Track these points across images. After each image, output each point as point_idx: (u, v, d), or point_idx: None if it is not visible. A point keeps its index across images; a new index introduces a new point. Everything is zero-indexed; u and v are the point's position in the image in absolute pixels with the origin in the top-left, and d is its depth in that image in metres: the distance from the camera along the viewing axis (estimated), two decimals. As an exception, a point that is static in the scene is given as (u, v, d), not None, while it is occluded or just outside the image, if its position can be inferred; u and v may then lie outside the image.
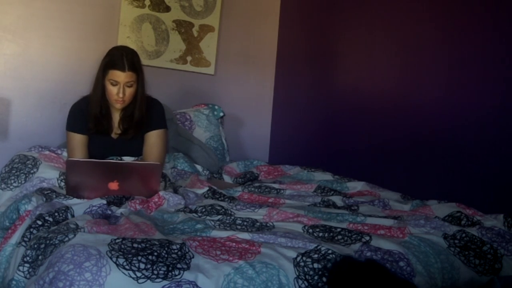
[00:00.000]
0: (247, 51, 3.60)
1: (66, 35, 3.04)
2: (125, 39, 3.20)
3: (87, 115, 2.27)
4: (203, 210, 1.76)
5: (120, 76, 2.18)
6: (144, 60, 3.26)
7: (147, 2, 3.27)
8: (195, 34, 3.42)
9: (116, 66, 2.18)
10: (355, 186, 2.37)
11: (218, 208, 1.78)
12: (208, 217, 1.69)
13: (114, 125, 2.35)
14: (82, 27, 3.07)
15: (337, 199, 2.10)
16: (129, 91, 2.22)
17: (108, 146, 2.33)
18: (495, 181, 2.03)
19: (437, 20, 2.37)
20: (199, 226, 1.58)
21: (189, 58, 3.40)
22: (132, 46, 3.20)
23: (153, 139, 2.35)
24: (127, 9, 3.21)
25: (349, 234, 1.54)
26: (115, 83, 2.19)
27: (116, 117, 2.35)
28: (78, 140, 2.29)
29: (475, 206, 1.92)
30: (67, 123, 2.34)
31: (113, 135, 2.35)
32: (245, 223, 1.62)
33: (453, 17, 2.29)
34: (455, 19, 2.28)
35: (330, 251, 1.37)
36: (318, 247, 1.39)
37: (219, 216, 1.69)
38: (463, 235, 1.59)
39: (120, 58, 2.20)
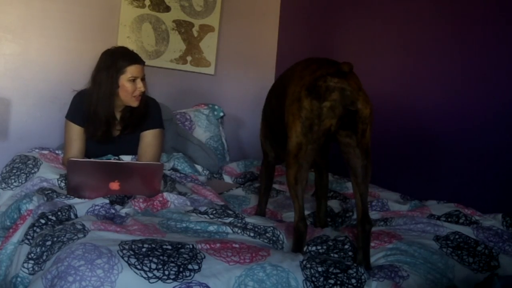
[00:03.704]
0: (247, 51, 3.60)
1: (66, 35, 3.04)
2: (125, 39, 3.21)
3: (93, 121, 2.26)
4: (214, 212, 1.76)
5: (140, 70, 2.24)
6: (144, 60, 3.27)
7: (147, 2, 3.27)
8: (195, 34, 3.42)
9: (135, 61, 2.23)
10: (355, 186, 2.37)
11: (230, 212, 1.77)
12: (219, 219, 1.69)
13: (115, 126, 2.35)
14: (82, 27, 3.08)
15: (335, 204, 2.10)
16: (145, 85, 2.27)
17: (108, 145, 2.33)
18: (495, 182, 2.03)
19: (440, 20, 2.37)
20: (211, 228, 1.57)
21: (189, 58, 3.40)
22: (132, 46, 3.22)
23: (149, 138, 2.36)
24: (127, 9, 3.21)
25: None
26: (134, 79, 2.22)
27: (117, 116, 2.35)
28: (77, 131, 2.29)
29: (475, 207, 1.93)
30: (68, 111, 2.33)
31: (114, 132, 2.35)
32: (256, 229, 1.60)
33: (456, 16, 2.29)
34: (457, 19, 2.28)
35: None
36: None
37: (230, 219, 1.69)
38: (457, 236, 1.59)
39: (131, 54, 2.27)
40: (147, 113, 2.36)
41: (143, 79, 2.26)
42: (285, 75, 1.67)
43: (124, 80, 2.21)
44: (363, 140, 1.43)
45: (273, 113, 1.71)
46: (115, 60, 2.22)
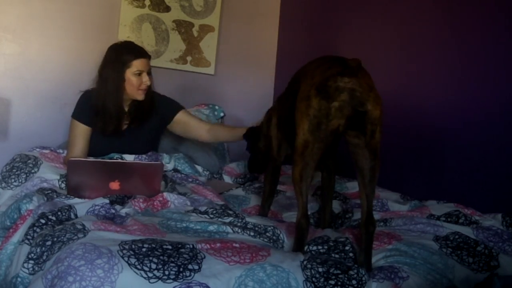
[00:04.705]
0: (247, 51, 3.60)
1: (66, 35, 3.04)
2: (125, 39, 3.19)
3: (102, 115, 2.29)
4: (214, 211, 1.76)
5: (146, 64, 2.27)
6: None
7: (147, 2, 3.27)
8: (195, 34, 3.42)
9: (140, 55, 2.26)
10: (355, 186, 2.37)
11: (230, 212, 1.78)
12: (219, 219, 1.69)
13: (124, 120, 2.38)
14: (82, 27, 3.08)
15: (335, 204, 2.09)
16: (151, 79, 2.31)
17: (114, 141, 2.35)
18: (495, 181, 2.03)
19: (440, 18, 2.37)
20: (212, 227, 1.57)
21: (189, 58, 3.40)
22: (132, 46, 3.22)
23: (187, 117, 2.47)
24: (127, 9, 3.22)
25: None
26: (139, 73, 2.25)
27: (125, 110, 2.38)
28: (82, 130, 2.32)
29: (475, 206, 1.93)
30: (75, 110, 2.36)
31: (122, 126, 2.38)
32: (256, 229, 1.60)
33: (456, 13, 2.29)
34: (457, 16, 2.28)
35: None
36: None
37: (230, 219, 1.69)
38: (456, 236, 1.59)
39: (137, 48, 2.30)
40: (160, 106, 2.41)
41: (149, 73, 2.30)
42: (298, 73, 1.66)
43: (130, 74, 2.24)
44: (372, 141, 1.40)
45: (290, 112, 1.70)
46: (120, 54, 2.25)
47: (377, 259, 1.47)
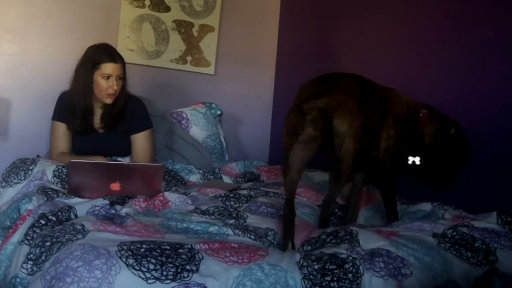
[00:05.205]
0: (247, 51, 3.60)
1: (66, 35, 3.04)
2: (125, 39, 3.21)
3: (71, 112, 2.30)
4: (215, 210, 1.75)
5: (114, 68, 2.24)
6: (144, 60, 3.27)
7: (147, 2, 3.27)
8: (195, 34, 3.42)
9: (111, 59, 2.24)
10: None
11: (231, 210, 1.77)
12: (220, 220, 1.69)
13: (96, 121, 2.37)
14: (82, 27, 3.08)
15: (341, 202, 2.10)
16: (120, 84, 2.28)
17: (93, 141, 2.35)
18: (493, 180, 2.03)
19: (441, 17, 2.37)
20: (212, 229, 1.58)
21: (189, 58, 3.40)
22: (132, 46, 3.22)
23: (142, 142, 2.39)
24: (127, 9, 3.21)
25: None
26: (107, 77, 2.23)
27: (98, 112, 2.37)
28: (64, 130, 2.33)
29: (472, 205, 1.93)
30: (54, 112, 2.37)
31: (99, 130, 2.38)
32: (257, 232, 1.61)
33: (458, 15, 2.29)
34: (459, 16, 2.28)
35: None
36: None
37: (232, 221, 1.69)
38: (454, 233, 1.59)
39: (110, 51, 2.28)
40: (133, 115, 2.38)
41: (121, 78, 2.28)
42: None
43: (98, 76, 2.24)
44: (338, 152, 1.64)
45: None
46: (93, 55, 2.26)
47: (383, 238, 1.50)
